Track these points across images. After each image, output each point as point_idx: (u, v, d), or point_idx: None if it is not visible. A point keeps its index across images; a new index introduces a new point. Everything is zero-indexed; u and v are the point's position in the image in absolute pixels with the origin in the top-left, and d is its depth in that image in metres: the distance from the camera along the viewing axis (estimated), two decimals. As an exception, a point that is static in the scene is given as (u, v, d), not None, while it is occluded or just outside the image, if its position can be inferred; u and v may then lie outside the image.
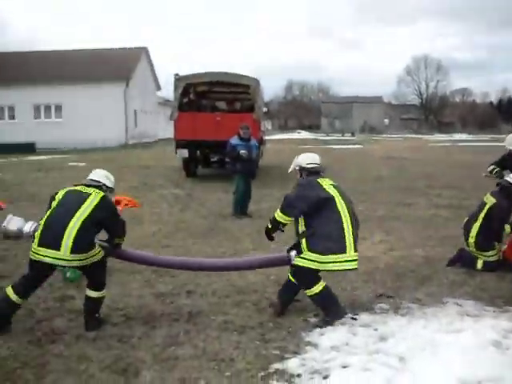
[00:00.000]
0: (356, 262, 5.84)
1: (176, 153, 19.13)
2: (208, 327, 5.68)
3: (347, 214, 5.85)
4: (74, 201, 5.67)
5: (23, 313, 6.03)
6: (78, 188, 5.89)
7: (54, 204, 5.77)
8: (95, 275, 5.74)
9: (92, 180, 6.09)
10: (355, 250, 5.82)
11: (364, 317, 6.01)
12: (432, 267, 8.03)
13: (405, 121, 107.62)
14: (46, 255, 5.40)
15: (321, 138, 61.22)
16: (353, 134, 73.62)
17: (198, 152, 19.29)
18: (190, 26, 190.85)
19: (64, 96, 41.52)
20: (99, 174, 6.24)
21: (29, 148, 37.68)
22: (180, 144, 18.88)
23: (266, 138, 28.50)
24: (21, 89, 41.46)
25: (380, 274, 7.71)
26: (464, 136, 75.94)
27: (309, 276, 5.85)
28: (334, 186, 6.08)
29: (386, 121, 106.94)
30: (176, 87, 18.87)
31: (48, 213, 5.71)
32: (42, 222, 5.64)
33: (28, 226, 6.22)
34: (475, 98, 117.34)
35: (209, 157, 20.42)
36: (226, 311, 6.16)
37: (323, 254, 5.71)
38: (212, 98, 23.03)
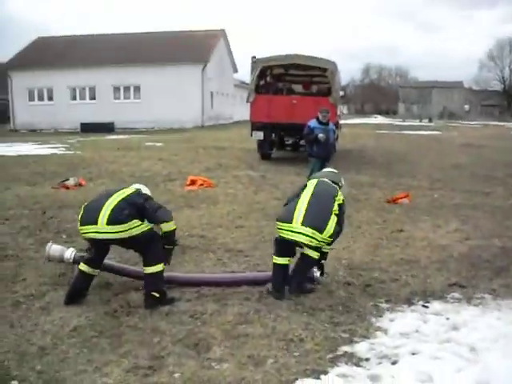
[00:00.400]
0: (301, 236, 5.97)
1: (251, 135, 19.23)
2: (278, 307, 5.74)
3: (306, 199, 6.20)
4: (112, 190, 6.18)
5: (101, 285, 6.29)
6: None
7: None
8: (145, 250, 5.90)
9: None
10: (303, 225, 5.97)
11: (436, 305, 5.96)
12: (509, 258, 7.80)
13: (486, 107, 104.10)
14: (89, 231, 5.76)
15: (397, 123, 60.08)
16: (430, 120, 71.84)
17: (274, 135, 19.34)
18: (267, 7, 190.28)
19: (143, 77, 42.48)
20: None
21: (108, 128, 38.84)
22: (256, 126, 18.96)
23: (342, 122, 28.25)
24: (101, 70, 42.73)
25: (454, 263, 7.57)
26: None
27: (275, 245, 6.39)
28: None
29: (467, 107, 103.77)
30: (253, 69, 18.92)
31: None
32: (82, 207, 6.06)
33: (68, 253, 6.60)
34: None
35: (283, 140, 20.44)
36: (297, 293, 6.21)
37: (276, 220, 6.30)
38: (288, 80, 22.95)
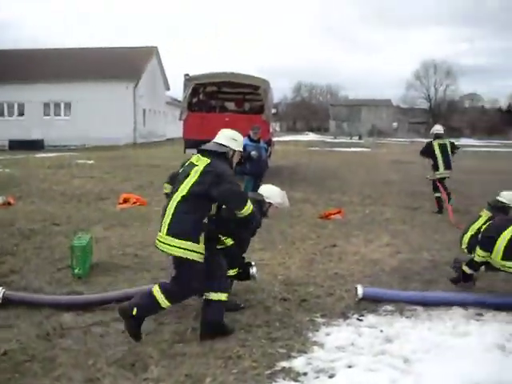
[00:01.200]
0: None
1: (185, 152, 19.17)
2: (215, 325, 5.72)
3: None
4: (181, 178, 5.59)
5: (32, 307, 6.11)
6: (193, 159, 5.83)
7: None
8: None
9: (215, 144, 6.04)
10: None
11: (370, 318, 6.08)
12: (438, 270, 8.06)
13: (413, 125, 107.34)
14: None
15: (328, 140, 61.18)
16: (360, 137, 73.53)
17: (207, 152, 19.30)
18: (199, 26, 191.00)
19: (73, 94, 41.67)
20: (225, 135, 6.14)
21: (38, 145, 37.92)
22: (189, 144, 18.91)
23: (275, 139, 28.54)
24: (30, 86, 41.64)
25: (386, 276, 7.75)
26: (473, 141, 75.75)
27: None
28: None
29: (395, 124, 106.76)
30: (185, 87, 18.91)
31: None
32: None
33: None
34: (484, 103, 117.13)
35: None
36: (233, 310, 6.21)
37: None
38: (221, 98, 23.11)
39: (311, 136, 78.05)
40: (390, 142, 62.20)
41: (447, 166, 13.68)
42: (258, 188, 12.61)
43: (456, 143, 14.84)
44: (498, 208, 7.37)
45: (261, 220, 6.14)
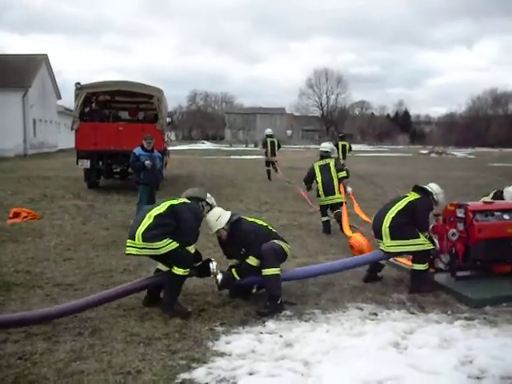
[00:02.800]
0: (131, 248, 6.33)
1: (77, 163, 18.69)
2: (113, 340, 5.59)
3: (149, 214, 6.38)
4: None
5: None
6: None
7: None
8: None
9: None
10: (138, 239, 6.24)
11: (269, 324, 6.14)
12: (334, 274, 8.24)
13: (307, 132, 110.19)
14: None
15: (224, 148, 61.50)
16: (256, 145, 74.37)
17: (100, 163, 18.93)
18: (93, 34, 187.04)
19: (-42, 103, 39.57)
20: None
21: None
22: (81, 154, 18.47)
23: (170, 148, 28.34)
24: None
25: (283, 282, 7.83)
26: (363, 146, 78.61)
27: None
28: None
29: (289, 132, 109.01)
30: (77, 96, 18.40)
31: None
32: None
33: None
34: (373, 110, 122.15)
35: (111, 167, 20.08)
36: (132, 323, 6.09)
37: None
38: (114, 107, 22.71)
39: (207, 144, 78.22)
40: (285, 149, 63.25)
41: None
42: (153, 198, 12.60)
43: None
44: (424, 191, 7.95)
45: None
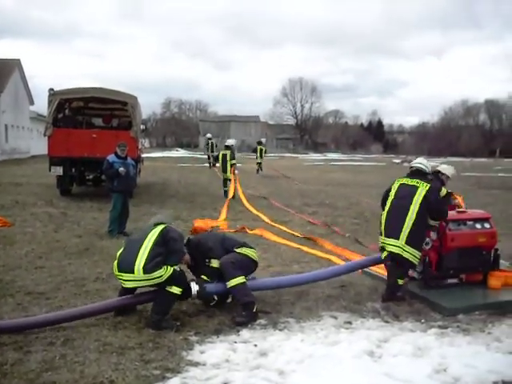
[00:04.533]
0: (129, 282, 6.30)
1: (50, 170, 18.49)
2: (86, 350, 5.51)
3: (144, 246, 6.33)
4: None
5: None
6: None
7: None
8: None
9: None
10: (139, 272, 6.19)
11: (244, 333, 6.11)
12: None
13: (281, 140, 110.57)
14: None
15: (198, 156, 61.32)
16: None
17: (73, 169, 18.75)
18: (66, 40, 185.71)
19: None
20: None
21: None
22: (54, 161, 18.27)
23: (144, 155, 28.20)
24: None
25: (258, 291, 7.81)
26: (337, 155, 79.10)
27: None
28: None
29: (264, 140, 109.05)
30: (50, 102, 18.23)
31: None
32: None
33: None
34: (347, 119, 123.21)
35: (84, 174, 19.89)
36: (105, 333, 6.01)
37: None
38: (88, 114, 22.57)
39: (181, 152, 77.98)
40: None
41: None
42: (127, 205, 12.50)
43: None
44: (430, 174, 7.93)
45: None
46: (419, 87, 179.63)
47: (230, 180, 20.37)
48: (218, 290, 6.91)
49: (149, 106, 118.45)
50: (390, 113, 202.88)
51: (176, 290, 6.35)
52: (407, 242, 7.27)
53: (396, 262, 7.42)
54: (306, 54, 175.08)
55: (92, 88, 19.33)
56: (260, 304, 7.04)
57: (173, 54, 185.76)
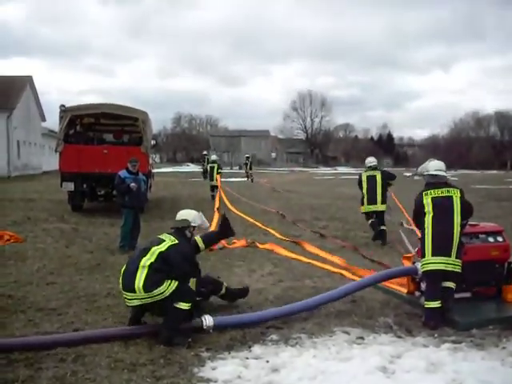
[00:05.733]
0: (134, 300, 6.40)
1: (61, 186, 18.58)
2: (97, 366, 5.48)
3: (141, 265, 6.39)
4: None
5: None
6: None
7: None
8: None
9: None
10: (139, 291, 6.31)
11: (255, 349, 6.05)
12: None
13: (291, 154, 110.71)
14: None
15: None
16: (240, 167, 74.48)
17: (85, 185, 18.81)
18: (75, 57, 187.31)
19: None
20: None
21: None
22: (65, 177, 18.36)
23: (155, 170, 28.27)
24: None
25: (270, 305, 7.76)
26: (348, 169, 78.98)
27: None
28: None
29: (273, 154, 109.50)
30: (61, 118, 18.36)
31: None
32: None
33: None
34: (357, 133, 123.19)
35: (95, 190, 19.96)
36: (116, 349, 5.98)
37: None
38: (99, 130, 22.67)
39: (192, 167, 78.21)
40: (270, 172, 63.51)
41: None
42: (138, 221, 12.50)
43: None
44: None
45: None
46: (427, 99, 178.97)
47: (217, 187, 24.05)
48: (230, 322, 6.87)
49: (159, 122, 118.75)
50: (398, 125, 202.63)
51: (184, 305, 6.33)
52: (456, 256, 7.07)
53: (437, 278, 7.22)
54: (311, 68, 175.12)
55: (103, 104, 19.45)
56: (271, 319, 6.99)
57: (180, 69, 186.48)
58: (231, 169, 72.78)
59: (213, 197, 23.91)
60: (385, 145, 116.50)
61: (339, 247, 12.79)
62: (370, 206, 13.51)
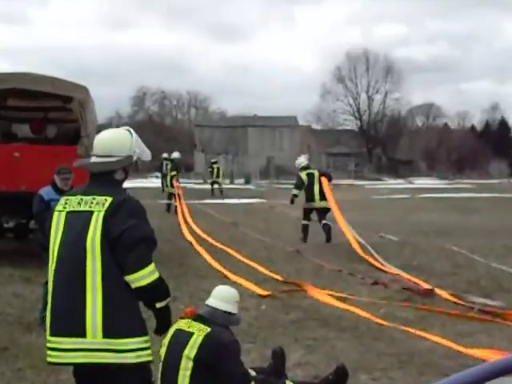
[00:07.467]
0: None
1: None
2: None
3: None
4: None
5: None
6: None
7: None
8: None
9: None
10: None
11: None
12: None
13: (335, 157, 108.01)
14: None
15: (197, 186, 61.86)
16: (247, 181, 74.28)
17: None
18: None
19: None
20: None
21: None
22: None
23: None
24: None
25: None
26: (432, 182, 78.84)
27: None
28: None
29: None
30: None
31: None
32: None
33: None
34: (447, 119, 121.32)
35: (0, 221, 19.95)
36: None
37: None
38: (6, 117, 22.52)
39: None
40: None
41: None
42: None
43: None
44: None
45: None
46: None
47: (173, 194, 30.58)
48: None
49: (111, 103, 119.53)
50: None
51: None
52: None
53: None
54: (369, 9, 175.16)
55: (13, 73, 19.33)
56: None
57: (140, 14, 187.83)
58: (231, 182, 72.18)
59: (168, 207, 31.79)
60: (495, 138, 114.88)
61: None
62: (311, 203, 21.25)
